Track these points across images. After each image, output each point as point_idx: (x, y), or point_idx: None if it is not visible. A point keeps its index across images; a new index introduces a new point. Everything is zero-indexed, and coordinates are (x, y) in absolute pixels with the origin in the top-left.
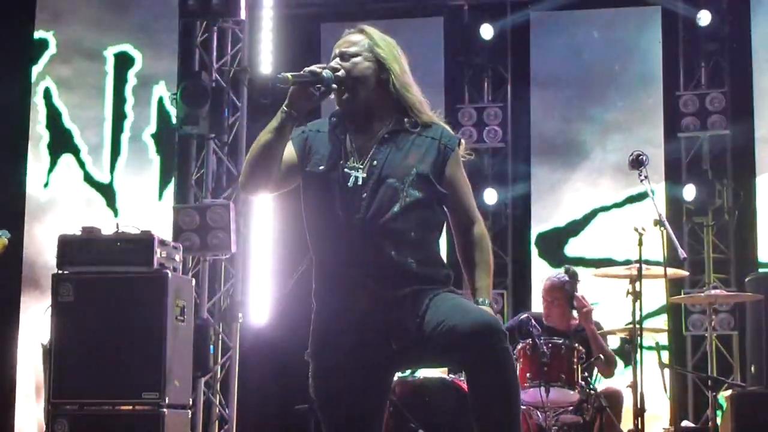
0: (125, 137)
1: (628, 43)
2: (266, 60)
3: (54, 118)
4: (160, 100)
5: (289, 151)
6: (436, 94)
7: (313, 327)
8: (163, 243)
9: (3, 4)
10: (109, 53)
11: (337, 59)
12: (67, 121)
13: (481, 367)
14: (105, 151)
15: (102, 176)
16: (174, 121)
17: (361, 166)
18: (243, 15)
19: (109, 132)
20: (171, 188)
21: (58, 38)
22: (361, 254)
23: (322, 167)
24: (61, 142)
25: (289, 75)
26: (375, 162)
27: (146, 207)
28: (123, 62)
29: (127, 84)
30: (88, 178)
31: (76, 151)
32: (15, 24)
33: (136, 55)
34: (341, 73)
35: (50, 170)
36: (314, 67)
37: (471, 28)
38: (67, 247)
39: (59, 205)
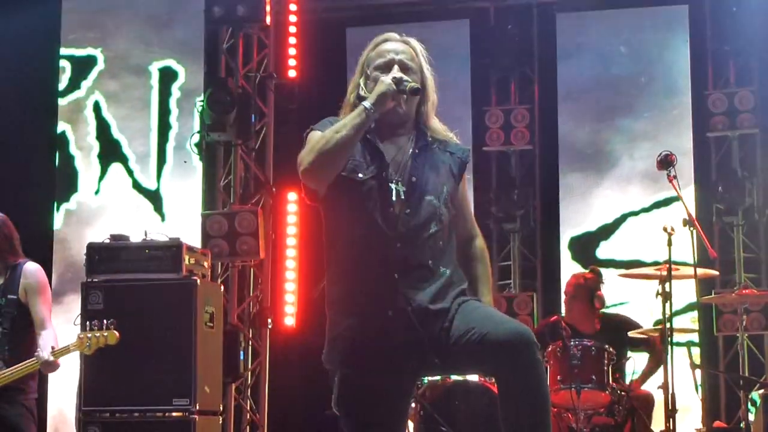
0: (170, 146)
1: (654, 55)
2: (292, 66)
3: (103, 129)
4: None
5: None
6: (462, 96)
7: (337, 334)
8: (191, 250)
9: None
10: (154, 68)
11: (396, 67)
12: (116, 132)
13: (514, 376)
14: (152, 159)
15: (149, 183)
16: None
17: (401, 179)
18: (268, 21)
19: (155, 142)
20: None
21: (105, 55)
22: (400, 265)
23: (361, 175)
24: (110, 152)
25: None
26: (414, 178)
27: (191, 211)
28: (167, 76)
29: (171, 97)
30: (137, 185)
31: (124, 160)
32: (43, 43)
33: (179, 69)
34: (413, 85)
35: (101, 178)
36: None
37: (497, 30)
38: (96, 255)
39: (109, 210)
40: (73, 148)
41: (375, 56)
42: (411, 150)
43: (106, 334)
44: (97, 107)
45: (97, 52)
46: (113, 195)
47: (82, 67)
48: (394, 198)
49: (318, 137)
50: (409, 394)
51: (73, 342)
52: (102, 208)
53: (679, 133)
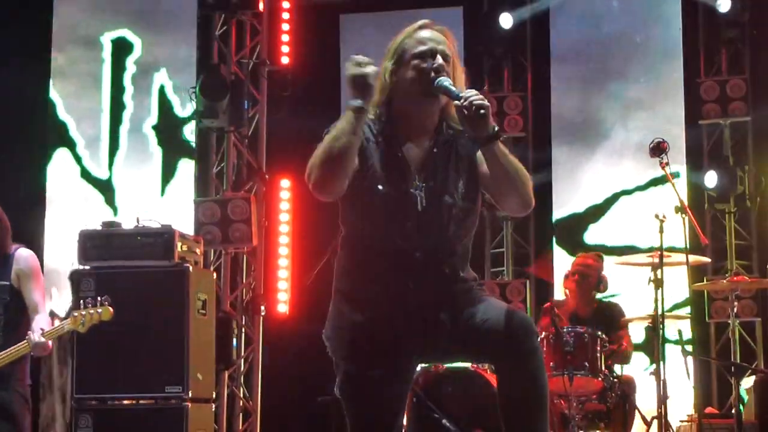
0: (124, 129)
1: (650, 13)
2: (285, 52)
3: (48, 109)
4: (162, 89)
5: None
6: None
7: (343, 325)
8: (183, 237)
9: None
10: (106, 39)
11: (439, 57)
12: (62, 113)
13: (514, 364)
14: (103, 144)
15: (100, 172)
16: (175, 110)
17: (423, 185)
18: (261, 7)
19: (107, 124)
20: (174, 183)
21: (52, 23)
22: (418, 274)
23: (381, 187)
24: (55, 136)
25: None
26: (431, 183)
27: (148, 203)
28: (121, 49)
29: (126, 72)
30: (85, 174)
31: (71, 145)
32: (34, 11)
33: (135, 41)
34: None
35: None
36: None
37: (490, 17)
38: (88, 242)
39: (55, 202)
40: None
41: (413, 43)
42: (430, 149)
43: (100, 310)
44: None
45: None
46: (59, 185)
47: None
48: (414, 208)
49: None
50: (410, 380)
51: (67, 321)
52: (47, 200)
53: (676, 102)
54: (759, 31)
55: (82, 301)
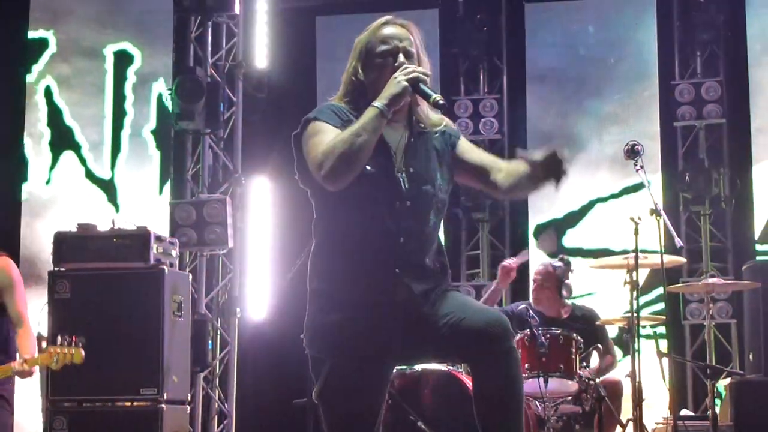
0: (125, 134)
1: (624, 36)
2: (261, 54)
3: (55, 116)
4: (159, 97)
5: None
6: (431, 86)
7: (326, 321)
8: (159, 238)
9: None
10: (109, 51)
11: (401, 55)
12: (68, 119)
13: (489, 364)
14: (105, 147)
15: (103, 172)
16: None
17: (404, 169)
18: (237, 9)
19: (110, 129)
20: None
21: (57, 37)
22: (401, 260)
23: (369, 167)
24: (62, 140)
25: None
26: (412, 169)
27: (147, 202)
28: (122, 60)
29: (127, 81)
30: (90, 175)
31: (77, 148)
32: (9, 24)
33: (135, 52)
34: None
35: (52, 167)
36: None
37: (466, 19)
38: (63, 243)
39: (61, 201)
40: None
41: (377, 42)
42: (407, 138)
43: (73, 351)
44: (48, 92)
45: (48, 34)
46: (65, 185)
47: (33, 50)
48: (401, 189)
49: (332, 139)
50: (388, 382)
51: (42, 355)
52: (53, 199)
53: (650, 116)
54: (733, 33)
55: (59, 337)
